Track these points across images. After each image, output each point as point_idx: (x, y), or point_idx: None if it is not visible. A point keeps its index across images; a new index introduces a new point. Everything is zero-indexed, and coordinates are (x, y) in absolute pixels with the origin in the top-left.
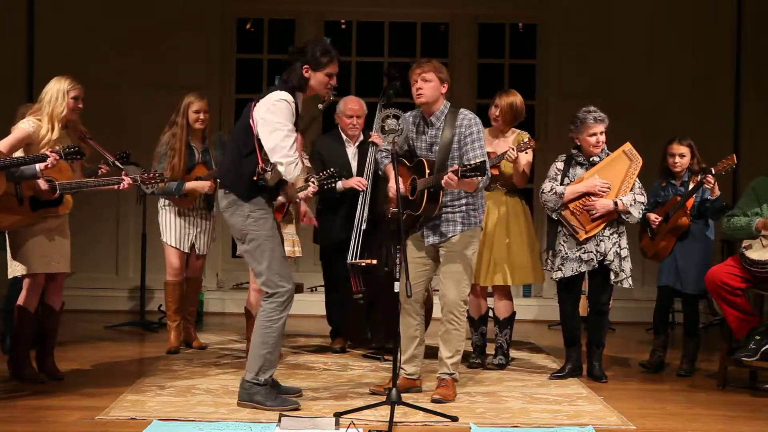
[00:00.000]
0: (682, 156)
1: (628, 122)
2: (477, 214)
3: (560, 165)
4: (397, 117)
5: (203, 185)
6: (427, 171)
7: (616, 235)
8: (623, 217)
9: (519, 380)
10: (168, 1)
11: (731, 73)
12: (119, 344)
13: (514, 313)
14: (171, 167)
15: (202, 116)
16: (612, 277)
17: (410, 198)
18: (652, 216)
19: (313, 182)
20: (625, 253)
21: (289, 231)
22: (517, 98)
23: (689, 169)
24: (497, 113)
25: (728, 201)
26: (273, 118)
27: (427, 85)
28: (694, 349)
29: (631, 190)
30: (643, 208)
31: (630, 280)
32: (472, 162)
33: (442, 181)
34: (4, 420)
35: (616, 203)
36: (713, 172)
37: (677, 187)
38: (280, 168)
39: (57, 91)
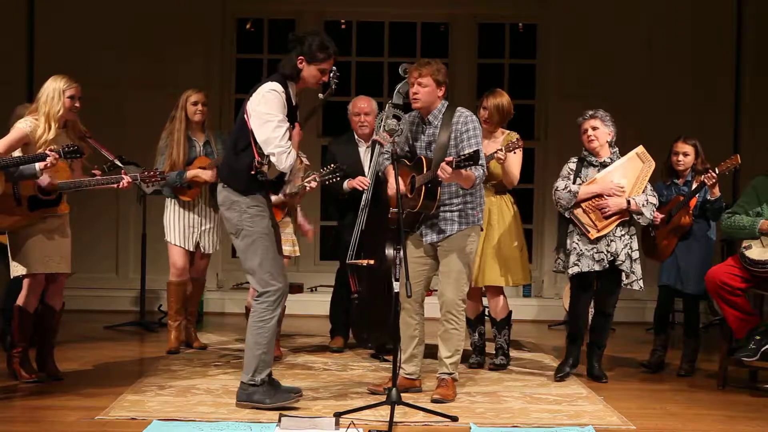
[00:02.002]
0: (686, 155)
1: (628, 122)
2: (475, 212)
3: (572, 165)
4: (397, 117)
5: (206, 173)
6: (425, 169)
7: (627, 237)
8: (635, 217)
9: (519, 380)
10: (168, 1)
11: (731, 73)
12: (119, 344)
13: (510, 313)
14: (171, 160)
15: (200, 108)
16: (623, 278)
17: (409, 196)
18: (655, 213)
19: (315, 178)
20: (636, 255)
21: (288, 231)
22: (504, 99)
23: (693, 169)
24: (486, 115)
25: (728, 201)
26: (263, 109)
27: (423, 90)
28: (694, 350)
29: (642, 192)
30: (655, 209)
31: (641, 282)
32: (466, 152)
33: (438, 172)
34: (3, 420)
35: (629, 202)
36: (717, 171)
37: (680, 187)
38: (273, 158)
39: (53, 91)
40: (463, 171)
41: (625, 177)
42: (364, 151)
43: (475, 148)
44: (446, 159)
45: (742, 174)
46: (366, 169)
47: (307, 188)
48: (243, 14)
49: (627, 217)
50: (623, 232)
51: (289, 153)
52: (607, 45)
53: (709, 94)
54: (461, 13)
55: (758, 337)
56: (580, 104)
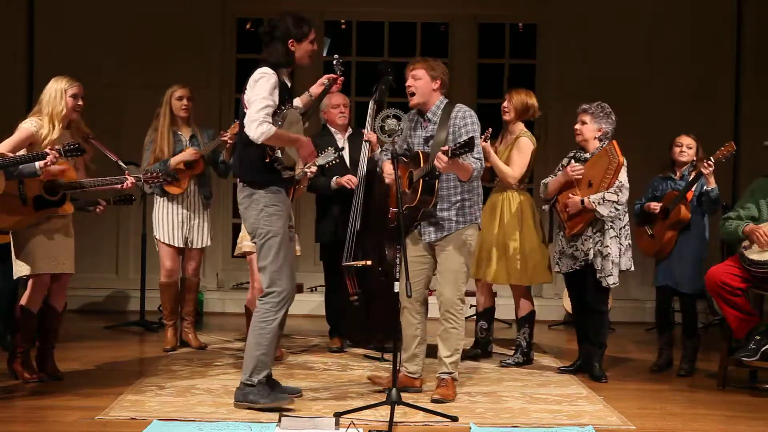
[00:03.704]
0: (689, 147)
1: (628, 122)
2: (473, 211)
3: (564, 161)
4: (397, 117)
5: (189, 154)
6: (422, 163)
7: (599, 234)
8: (596, 215)
9: (519, 380)
10: (168, 2)
11: (731, 73)
12: (119, 344)
13: (532, 312)
14: (156, 154)
15: (185, 103)
16: (597, 275)
17: (407, 191)
18: (652, 204)
19: (314, 162)
20: (607, 251)
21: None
22: (531, 98)
23: (692, 164)
24: (510, 112)
25: (728, 201)
26: (251, 93)
27: (417, 83)
28: (693, 349)
29: (608, 188)
30: (616, 207)
31: (611, 278)
32: (462, 140)
33: (434, 162)
34: (4, 420)
35: (583, 201)
36: (712, 159)
37: (676, 182)
38: (245, 129)
39: (55, 91)
40: (459, 160)
41: (595, 172)
42: (342, 142)
43: (470, 136)
44: (442, 149)
45: (742, 174)
46: (348, 161)
47: (308, 174)
48: (243, 14)
49: (593, 216)
50: (595, 230)
51: (260, 123)
52: (608, 45)
53: (709, 94)
54: (461, 13)
55: (758, 337)
56: (580, 104)
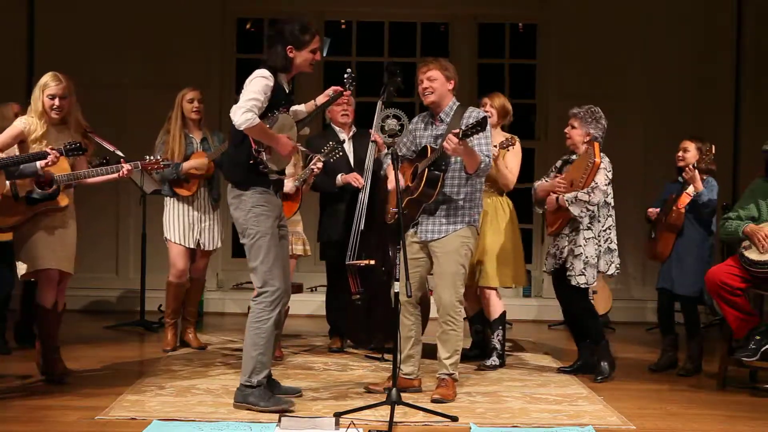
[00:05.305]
0: (685, 150)
1: (628, 122)
2: (473, 213)
3: (558, 163)
4: (397, 117)
5: (201, 162)
6: (429, 155)
7: (574, 233)
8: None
9: (519, 380)
10: (168, 1)
11: (731, 73)
12: (119, 344)
13: (504, 313)
14: (168, 156)
15: (196, 105)
16: (567, 273)
17: (410, 185)
18: (650, 209)
19: (319, 158)
20: (579, 251)
21: (298, 230)
22: (504, 100)
23: (696, 168)
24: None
25: (728, 201)
26: (243, 93)
27: (434, 84)
28: (697, 350)
29: (585, 188)
30: (588, 207)
31: (582, 278)
32: (474, 120)
33: (444, 143)
34: (4, 420)
35: (558, 199)
36: (695, 165)
37: (681, 185)
38: (231, 114)
39: (38, 88)
40: (470, 144)
41: (576, 173)
42: (346, 141)
43: (483, 116)
44: (453, 131)
45: (742, 175)
46: (351, 158)
47: (315, 170)
48: (243, 14)
49: (570, 215)
50: (571, 230)
51: (246, 110)
52: (608, 45)
53: (709, 94)
54: (461, 13)
55: (758, 337)
56: (579, 104)
